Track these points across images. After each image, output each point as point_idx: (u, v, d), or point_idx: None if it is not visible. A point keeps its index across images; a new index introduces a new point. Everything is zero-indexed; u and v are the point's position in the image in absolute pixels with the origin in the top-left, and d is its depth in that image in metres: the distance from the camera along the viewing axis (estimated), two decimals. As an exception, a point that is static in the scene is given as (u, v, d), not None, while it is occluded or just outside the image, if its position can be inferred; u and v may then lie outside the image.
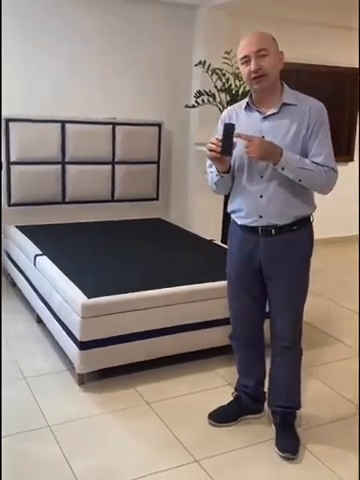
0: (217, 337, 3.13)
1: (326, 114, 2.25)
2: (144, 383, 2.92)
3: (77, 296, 2.84)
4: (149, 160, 4.66)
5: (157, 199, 4.76)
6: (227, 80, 4.33)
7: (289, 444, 2.41)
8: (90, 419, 2.60)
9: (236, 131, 2.15)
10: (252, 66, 2.17)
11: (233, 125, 2.16)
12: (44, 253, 3.49)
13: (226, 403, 2.68)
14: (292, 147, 2.20)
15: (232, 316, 2.56)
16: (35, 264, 3.47)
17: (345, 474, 2.29)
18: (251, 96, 2.32)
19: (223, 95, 4.39)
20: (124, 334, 2.88)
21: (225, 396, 2.76)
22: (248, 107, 2.31)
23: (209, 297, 3.07)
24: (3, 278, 4.27)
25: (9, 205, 4.20)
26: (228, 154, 2.18)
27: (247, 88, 4.36)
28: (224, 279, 3.19)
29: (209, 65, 4.34)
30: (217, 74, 4.33)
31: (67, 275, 3.09)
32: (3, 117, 4.07)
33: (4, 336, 3.36)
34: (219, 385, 2.95)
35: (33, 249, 3.61)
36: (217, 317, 3.09)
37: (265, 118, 2.25)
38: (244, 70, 2.22)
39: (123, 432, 2.52)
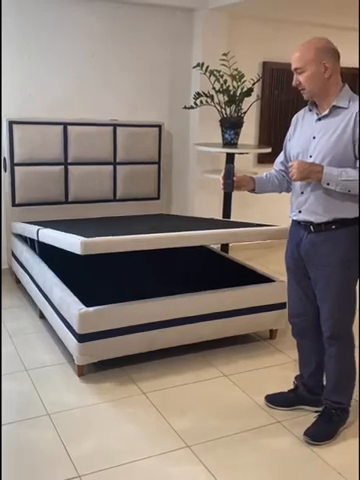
0: (214, 330, 3.23)
1: None
2: (141, 374, 3.02)
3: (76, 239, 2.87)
4: (150, 160, 4.74)
5: (158, 198, 4.86)
6: (225, 82, 4.42)
7: (313, 430, 2.50)
8: (88, 408, 2.70)
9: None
10: (293, 81, 2.38)
11: (232, 166, 2.43)
12: (46, 227, 3.56)
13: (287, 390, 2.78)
14: (335, 147, 2.27)
15: (287, 301, 2.67)
16: (38, 237, 3.53)
17: (341, 465, 2.33)
18: None
19: (221, 96, 4.48)
20: (122, 327, 2.97)
21: (220, 387, 2.85)
22: (310, 108, 2.45)
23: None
24: (9, 276, 4.40)
25: (13, 205, 4.32)
26: (230, 191, 2.47)
27: (244, 89, 4.48)
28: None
29: (207, 67, 4.44)
30: (215, 76, 4.42)
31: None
32: (7, 119, 4.18)
33: (8, 330, 3.49)
34: (214, 376, 3.03)
35: (35, 228, 3.65)
36: (215, 310, 3.19)
37: (319, 120, 2.37)
38: None
39: (119, 420, 2.62)
